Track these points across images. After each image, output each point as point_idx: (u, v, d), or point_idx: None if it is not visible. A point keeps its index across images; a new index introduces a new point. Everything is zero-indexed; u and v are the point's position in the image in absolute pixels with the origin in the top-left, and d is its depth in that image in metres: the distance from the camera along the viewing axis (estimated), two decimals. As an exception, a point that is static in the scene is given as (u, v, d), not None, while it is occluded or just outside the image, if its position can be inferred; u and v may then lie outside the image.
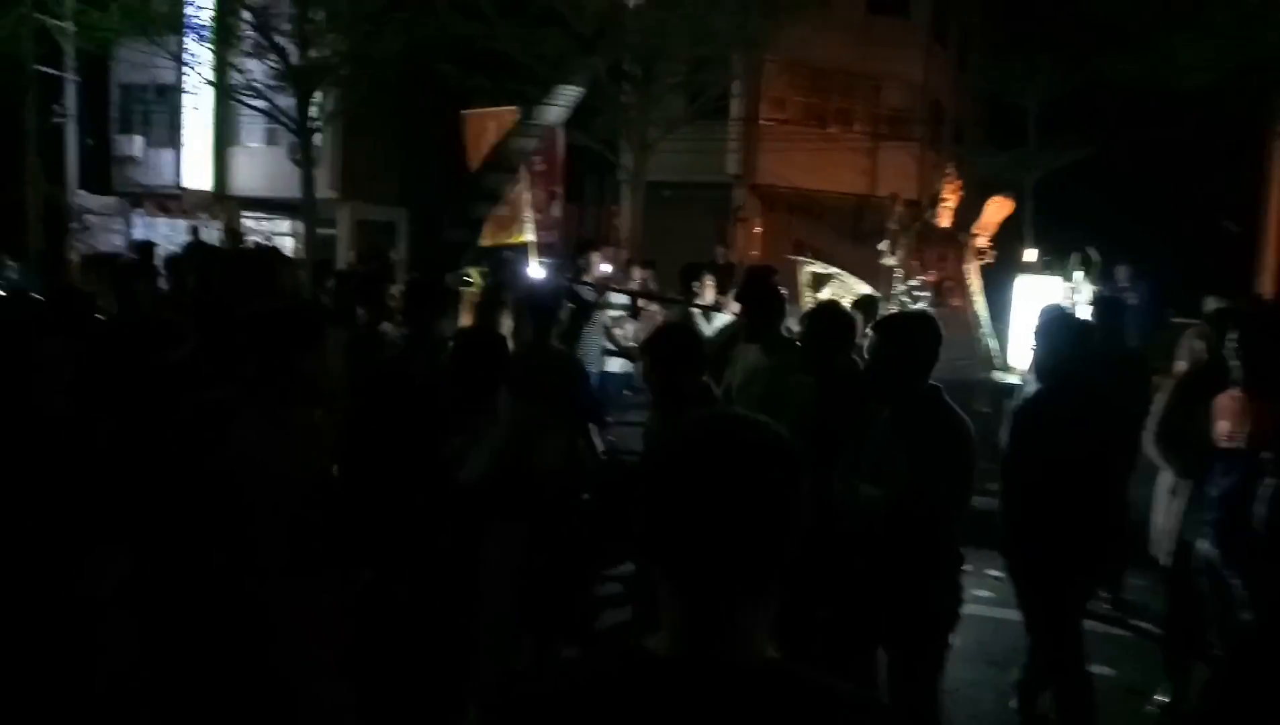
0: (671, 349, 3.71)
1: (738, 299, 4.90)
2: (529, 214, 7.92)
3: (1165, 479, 4.55)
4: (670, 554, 1.16)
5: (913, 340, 3.33)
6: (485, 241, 8.20)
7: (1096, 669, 4.34)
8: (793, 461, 1.17)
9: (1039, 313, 4.27)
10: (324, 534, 2.66)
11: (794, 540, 1.16)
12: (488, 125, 8.94)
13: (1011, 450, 3.98)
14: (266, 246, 9.32)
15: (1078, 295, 8.66)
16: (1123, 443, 4.10)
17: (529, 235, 7.90)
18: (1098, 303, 6.29)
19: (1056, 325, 4.04)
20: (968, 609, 3.33)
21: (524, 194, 8.02)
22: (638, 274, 8.16)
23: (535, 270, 7.51)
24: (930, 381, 3.30)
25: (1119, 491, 4.11)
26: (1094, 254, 8.74)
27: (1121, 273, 12.01)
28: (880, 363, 3.34)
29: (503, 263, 7.82)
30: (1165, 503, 4.53)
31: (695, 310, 6.48)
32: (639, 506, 1.19)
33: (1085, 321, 4.35)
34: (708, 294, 6.58)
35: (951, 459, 3.16)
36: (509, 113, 9.00)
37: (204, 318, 3.90)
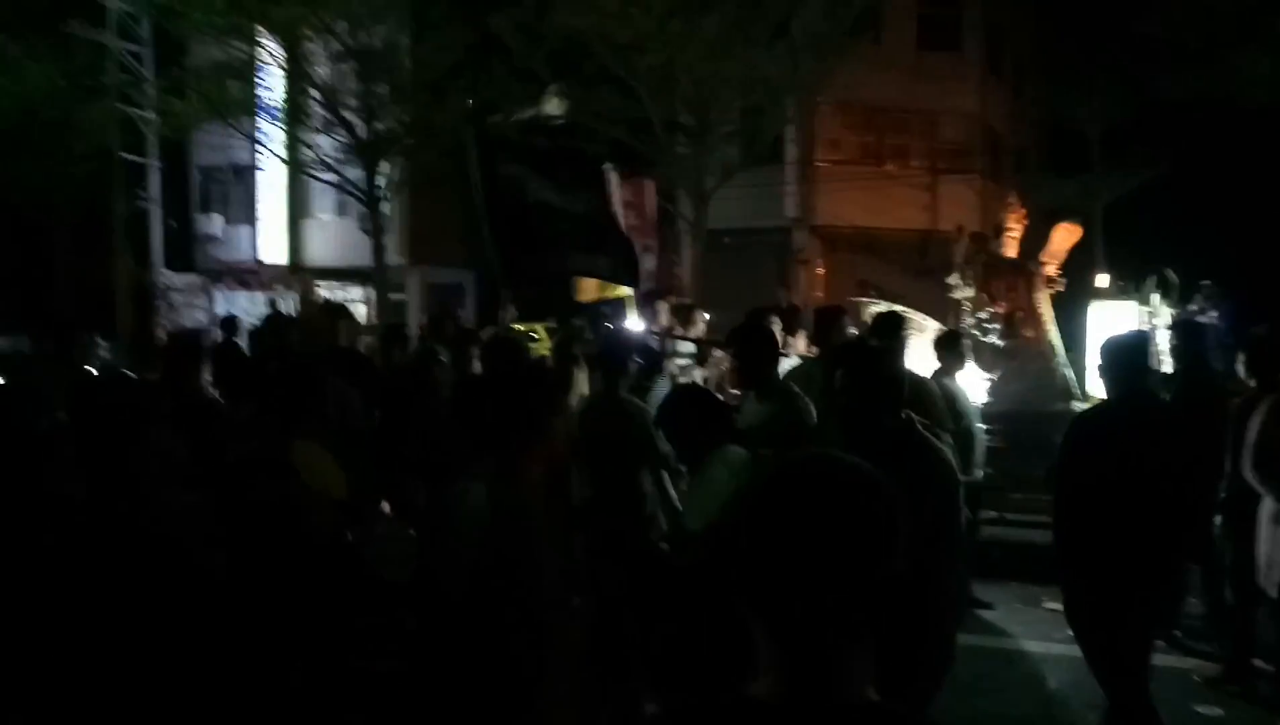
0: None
1: (728, 345, 4.76)
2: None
3: (1268, 506, 4.39)
4: (770, 599, 1.15)
5: (868, 372, 3.09)
6: (585, 297, 8.32)
7: (1204, 710, 4.18)
8: (889, 500, 1.16)
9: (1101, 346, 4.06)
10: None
11: (891, 580, 1.15)
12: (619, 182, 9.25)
13: (1061, 461, 3.86)
14: (331, 302, 9.68)
15: (1157, 319, 8.44)
16: (1190, 466, 3.82)
17: (625, 288, 8.00)
18: (1176, 327, 6.13)
19: (1113, 354, 3.91)
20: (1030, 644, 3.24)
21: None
22: (700, 320, 8.19)
23: (634, 322, 7.58)
24: (904, 415, 3.01)
25: (1187, 516, 3.84)
26: (1171, 276, 8.51)
27: (1203, 293, 11.65)
28: (842, 400, 3.10)
29: (597, 316, 7.93)
30: (1269, 531, 4.36)
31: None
32: (735, 552, 1.18)
33: (1138, 343, 4.17)
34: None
35: (921, 503, 2.67)
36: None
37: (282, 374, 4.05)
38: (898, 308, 7.24)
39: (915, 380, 4.67)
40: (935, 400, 4.97)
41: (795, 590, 1.13)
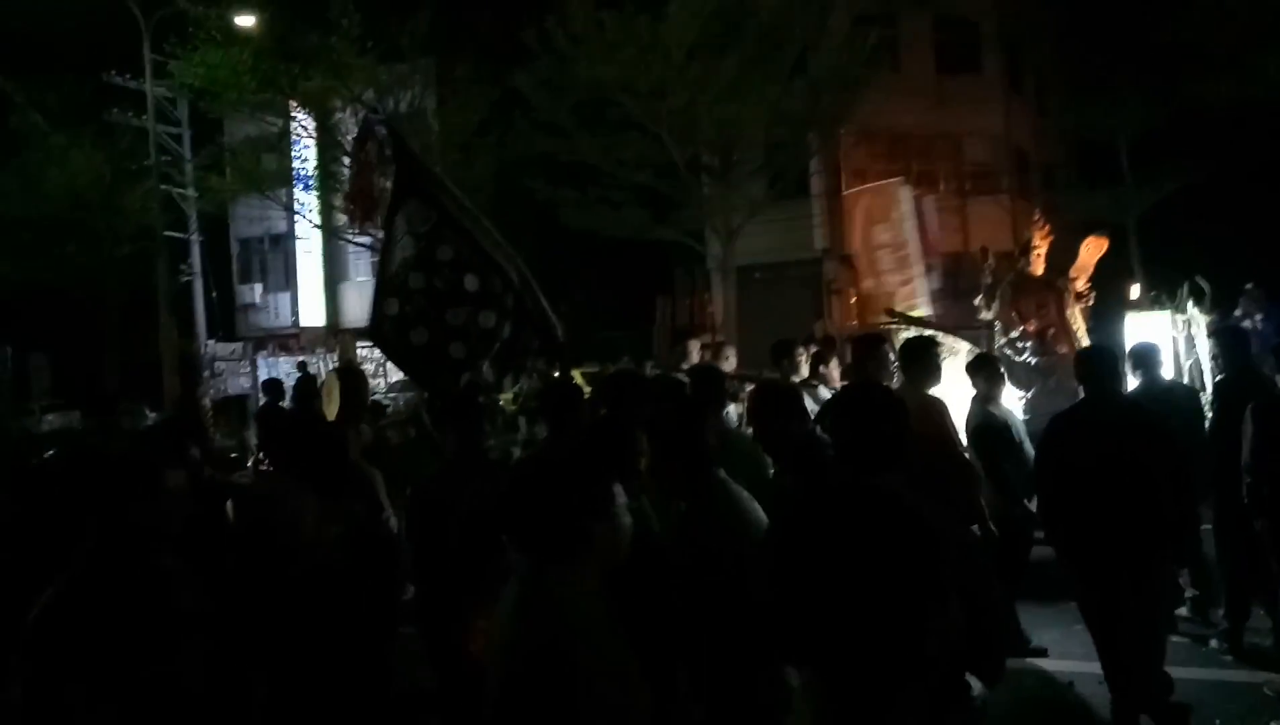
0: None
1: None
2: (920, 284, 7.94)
3: None
4: (814, 644, 1.09)
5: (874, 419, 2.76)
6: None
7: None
8: (930, 537, 1.11)
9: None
10: None
11: (940, 621, 1.09)
12: (865, 200, 9.03)
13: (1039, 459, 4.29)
14: (349, 367, 9.79)
15: (1195, 328, 8.30)
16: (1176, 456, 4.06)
17: (924, 308, 7.93)
18: (1220, 334, 5.99)
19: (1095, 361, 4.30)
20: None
21: (913, 266, 8.01)
22: (731, 357, 8.19)
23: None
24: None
25: (1167, 497, 3.98)
26: (1203, 283, 8.38)
27: (1246, 297, 11.41)
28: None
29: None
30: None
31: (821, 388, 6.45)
32: (773, 599, 1.12)
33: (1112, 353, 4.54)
34: (803, 369, 6.56)
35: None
36: (888, 186, 9.06)
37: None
38: (927, 332, 7.21)
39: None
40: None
41: (837, 632, 1.08)
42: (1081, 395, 4.35)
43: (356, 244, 21.02)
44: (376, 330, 5.98)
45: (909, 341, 5.77)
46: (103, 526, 2.50)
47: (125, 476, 2.56)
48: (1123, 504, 3.87)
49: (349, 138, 19.69)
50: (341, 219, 20.51)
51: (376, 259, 6.47)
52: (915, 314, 7.71)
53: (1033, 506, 5.70)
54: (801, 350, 6.68)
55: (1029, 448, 5.88)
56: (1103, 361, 4.29)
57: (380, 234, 6.52)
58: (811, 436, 3.43)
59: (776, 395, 3.87)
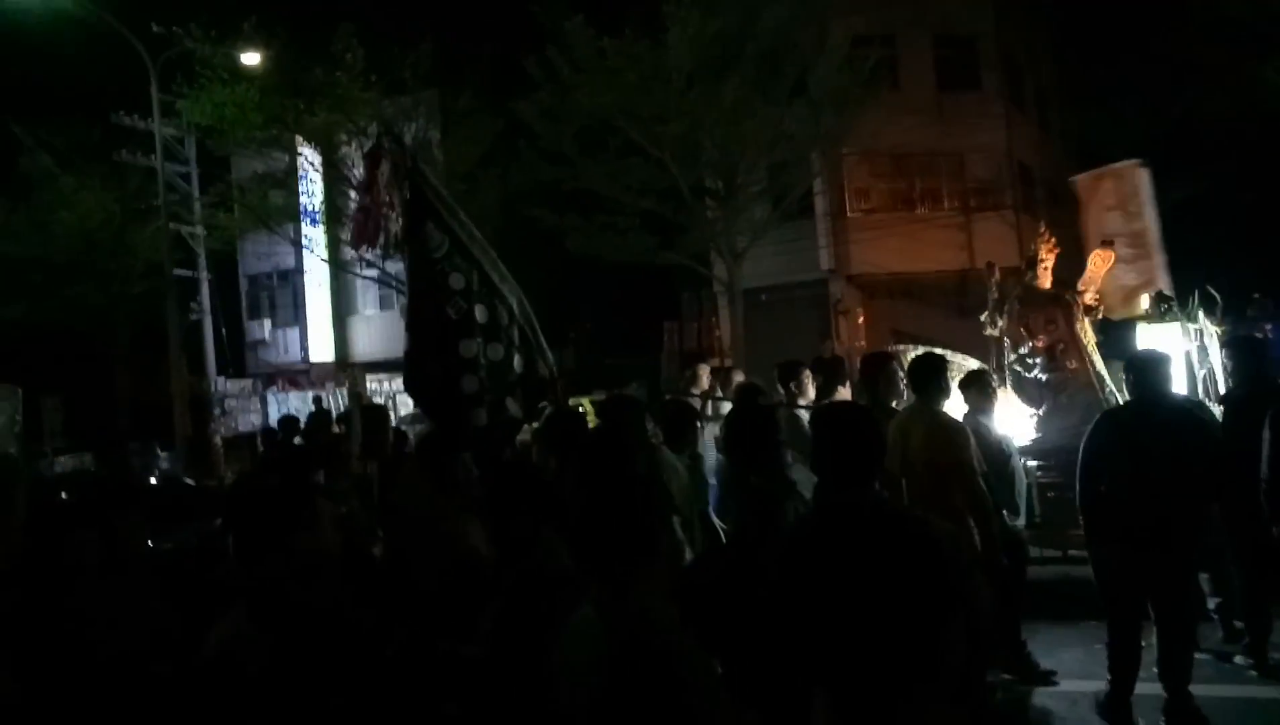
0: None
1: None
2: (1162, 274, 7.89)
3: None
4: (820, 656, 1.09)
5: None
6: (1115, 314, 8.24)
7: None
8: (940, 554, 1.11)
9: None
10: None
11: (952, 632, 1.09)
12: (1104, 185, 8.82)
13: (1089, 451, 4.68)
14: (371, 404, 9.76)
15: (1207, 338, 8.24)
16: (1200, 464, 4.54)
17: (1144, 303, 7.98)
18: (1234, 343, 5.93)
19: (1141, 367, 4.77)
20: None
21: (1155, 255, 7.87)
22: (737, 381, 8.17)
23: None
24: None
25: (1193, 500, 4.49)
26: (1214, 292, 8.32)
27: (1254, 307, 11.35)
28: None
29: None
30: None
31: (800, 409, 6.43)
32: (779, 616, 1.12)
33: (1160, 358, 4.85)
34: (809, 391, 6.53)
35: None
36: (1128, 168, 8.89)
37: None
38: (935, 350, 7.17)
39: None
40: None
41: (845, 643, 1.09)
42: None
43: (365, 277, 21.12)
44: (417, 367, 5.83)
45: (918, 359, 5.70)
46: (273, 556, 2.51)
47: (289, 506, 2.62)
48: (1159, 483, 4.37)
49: (356, 171, 19.86)
50: (349, 253, 20.63)
51: (389, 291, 6.41)
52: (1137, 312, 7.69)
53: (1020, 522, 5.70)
54: (808, 372, 6.65)
55: (1017, 464, 5.86)
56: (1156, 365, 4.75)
57: (376, 254, 6.41)
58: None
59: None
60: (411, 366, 5.77)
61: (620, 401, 5.08)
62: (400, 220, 5.77)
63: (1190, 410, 5.33)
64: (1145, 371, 4.70)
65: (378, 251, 6.09)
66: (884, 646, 1.09)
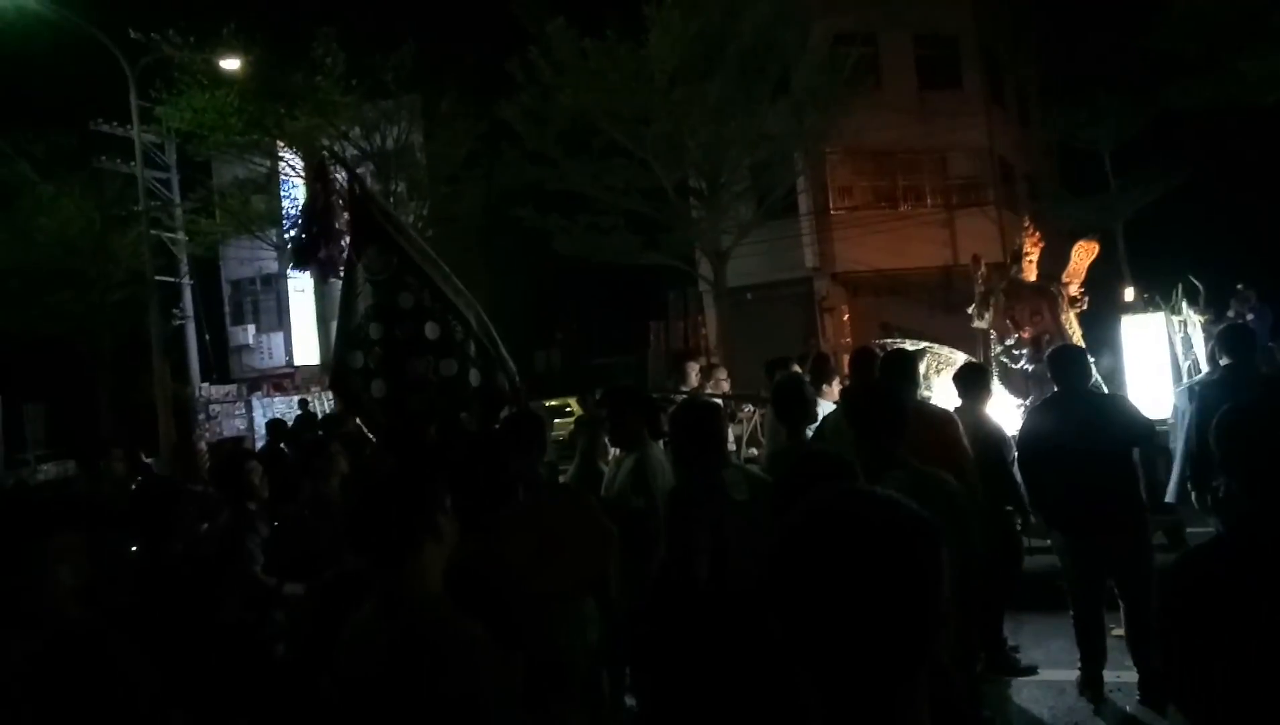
0: None
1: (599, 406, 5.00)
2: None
3: None
4: (814, 647, 1.09)
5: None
6: None
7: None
8: (930, 536, 1.11)
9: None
10: None
11: (938, 620, 1.10)
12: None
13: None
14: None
15: (1191, 328, 8.31)
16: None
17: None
18: (1222, 336, 5.95)
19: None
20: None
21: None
22: (724, 378, 8.17)
23: None
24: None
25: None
26: (1197, 283, 8.41)
27: (1237, 298, 11.43)
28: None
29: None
30: None
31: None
32: (773, 598, 1.12)
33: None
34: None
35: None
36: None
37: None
38: (921, 344, 7.21)
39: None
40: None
41: (837, 634, 1.08)
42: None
43: (348, 281, 21.01)
44: (341, 384, 5.89)
45: (965, 367, 6.00)
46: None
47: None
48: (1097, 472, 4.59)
49: (341, 176, 19.77)
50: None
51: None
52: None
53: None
54: (796, 368, 6.67)
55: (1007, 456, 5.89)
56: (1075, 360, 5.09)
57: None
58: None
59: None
60: (338, 383, 5.89)
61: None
62: (347, 243, 5.83)
63: (1110, 397, 5.67)
64: (1062, 366, 4.97)
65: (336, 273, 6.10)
66: (878, 636, 1.10)
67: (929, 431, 4.69)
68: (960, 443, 4.63)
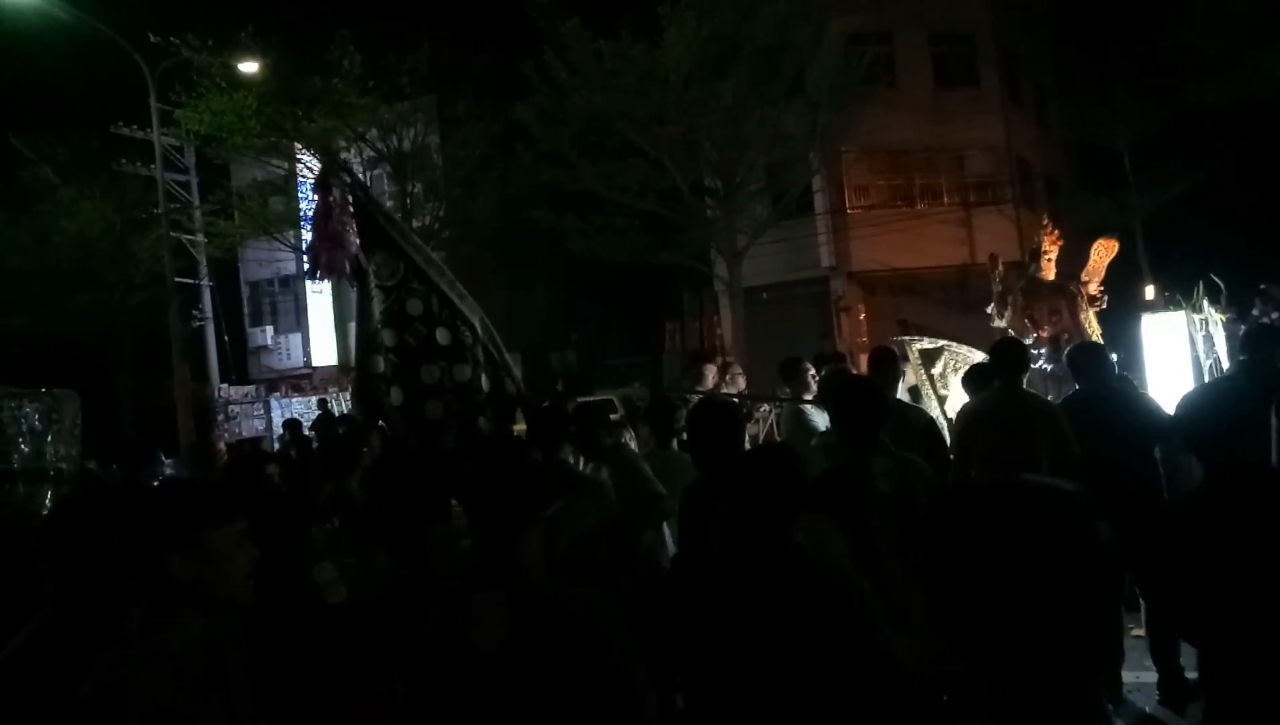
0: None
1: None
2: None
3: None
4: (987, 630, 1.09)
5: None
6: None
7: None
8: (1086, 523, 1.11)
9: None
10: None
11: (1108, 607, 1.11)
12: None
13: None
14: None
15: (1213, 326, 8.23)
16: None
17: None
18: (1248, 336, 5.90)
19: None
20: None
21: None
22: (740, 378, 8.17)
23: None
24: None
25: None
26: (1218, 281, 8.33)
27: (1262, 297, 11.30)
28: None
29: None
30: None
31: (807, 405, 6.43)
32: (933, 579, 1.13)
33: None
34: (811, 387, 6.53)
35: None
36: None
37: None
38: (939, 342, 7.17)
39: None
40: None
41: (1018, 629, 1.09)
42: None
43: (365, 282, 21.11)
44: (364, 390, 5.85)
45: (974, 368, 6.05)
46: None
47: None
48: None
49: (346, 182, 19.85)
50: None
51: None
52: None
53: None
54: (810, 368, 6.65)
55: None
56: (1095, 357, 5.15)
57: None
58: None
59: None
60: (361, 389, 5.87)
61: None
62: (357, 249, 5.82)
63: (1130, 395, 5.62)
64: (1082, 363, 5.11)
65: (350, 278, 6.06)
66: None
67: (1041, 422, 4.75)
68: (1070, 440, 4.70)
